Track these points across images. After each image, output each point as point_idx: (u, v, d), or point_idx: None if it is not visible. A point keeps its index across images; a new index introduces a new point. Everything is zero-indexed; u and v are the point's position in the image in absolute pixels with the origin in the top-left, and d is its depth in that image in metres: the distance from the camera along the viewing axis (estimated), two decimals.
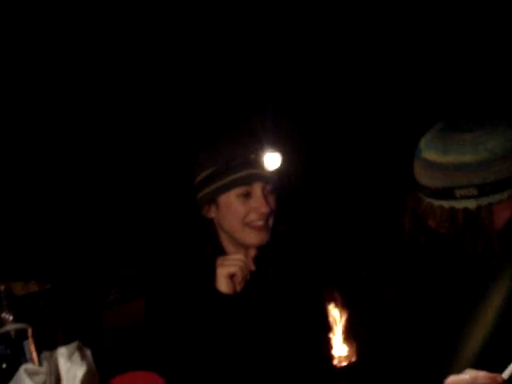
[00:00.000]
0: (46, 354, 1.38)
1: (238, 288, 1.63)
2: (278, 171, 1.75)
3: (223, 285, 1.60)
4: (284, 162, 1.78)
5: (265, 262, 1.71)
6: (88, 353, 1.42)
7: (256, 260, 1.69)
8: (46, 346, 2.50)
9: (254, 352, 1.68)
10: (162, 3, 3.22)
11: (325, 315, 1.92)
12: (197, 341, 1.59)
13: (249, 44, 3.35)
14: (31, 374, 1.35)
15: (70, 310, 2.92)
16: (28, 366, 1.37)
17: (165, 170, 3.34)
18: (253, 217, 1.66)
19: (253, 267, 1.66)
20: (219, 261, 1.62)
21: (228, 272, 1.60)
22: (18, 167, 3.14)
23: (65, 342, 2.53)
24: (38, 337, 1.72)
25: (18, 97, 3.12)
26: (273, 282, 1.75)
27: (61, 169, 3.30)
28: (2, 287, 1.77)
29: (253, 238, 1.69)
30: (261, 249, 1.72)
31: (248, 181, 1.66)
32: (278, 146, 1.74)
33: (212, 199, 1.72)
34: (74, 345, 1.36)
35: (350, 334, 3.35)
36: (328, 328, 1.93)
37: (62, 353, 1.31)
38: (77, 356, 1.33)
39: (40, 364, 1.40)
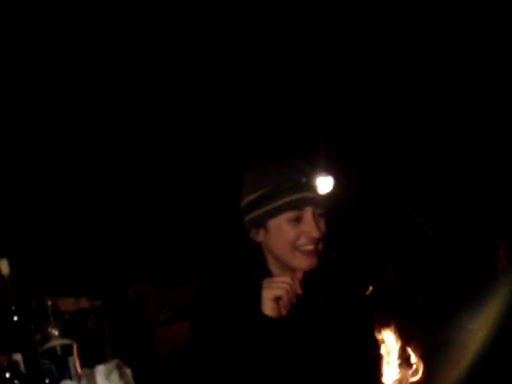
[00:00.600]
0: (85, 370, 1.34)
1: (284, 311, 1.55)
2: (328, 194, 1.68)
3: (268, 308, 1.53)
4: (335, 185, 1.71)
5: (312, 286, 1.62)
6: (128, 371, 1.38)
7: (303, 283, 1.60)
8: (94, 363, 2.48)
9: (300, 378, 1.59)
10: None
11: (374, 341, 1.82)
12: (241, 364, 1.52)
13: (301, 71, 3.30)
14: None
15: (121, 327, 2.90)
16: (67, 382, 1.34)
17: (215, 189, 3.32)
18: (303, 241, 1.60)
19: (299, 290, 1.57)
20: (265, 283, 1.56)
21: (274, 295, 1.53)
22: (67, 184, 3.16)
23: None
24: (85, 354, 1.69)
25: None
26: (320, 306, 1.68)
27: (119, 185, 3.32)
28: (49, 302, 1.75)
29: (302, 262, 1.61)
30: (308, 272, 1.63)
31: (299, 205, 1.60)
32: (329, 169, 1.67)
33: (261, 223, 1.66)
34: (113, 363, 1.32)
35: (405, 360, 3.22)
36: (378, 354, 1.82)
37: (100, 371, 1.27)
38: (115, 375, 1.29)
39: (79, 381, 1.36)
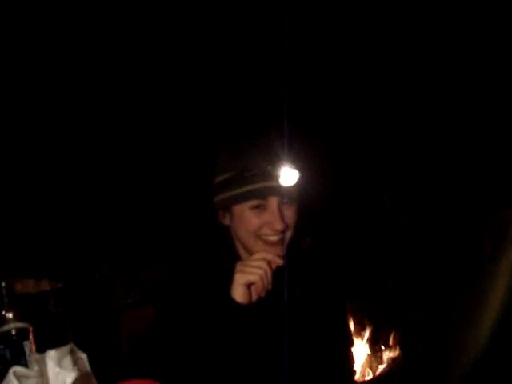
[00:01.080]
0: (36, 356, 1.25)
1: (254, 298, 1.47)
2: (300, 183, 1.59)
3: (239, 293, 1.44)
4: (305, 175, 1.62)
5: (285, 272, 1.54)
6: (83, 356, 1.29)
7: (276, 270, 1.52)
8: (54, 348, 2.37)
9: (267, 366, 1.52)
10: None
11: (346, 328, 1.76)
12: (206, 351, 1.44)
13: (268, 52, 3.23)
14: (20, 378, 1.22)
15: (84, 311, 2.81)
16: (17, 368, 1.24)
17: (184, 170, 3.22)
18: (266, 231, 1.53)
19: (270, 279, 1.47)
20: (238, 266, 1.47)
21: (247, 280, 1.43)
22: (39, 162, 3.07)
23: (76, 345, 2.40)
24: (45, 338, 1.60)
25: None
26: (292, 294, 1.60)
27: (83, 164, 3.23)
28: (3, 283, 1.66)
29: (266, 251, 1.53)
30: (284, 259, 1.55)
31: (262, 194, 1.52)
32: (297, 159, 1.58)
33: (226, 207, 1.59)
34: (65, 348, 1.23)
35: (374, 348, 3.20)
36: (350, 342, 1.77)
37: (50, 356, 1.18)
38: (68, 360, 1.19)
39: (30, 367, 1.27)
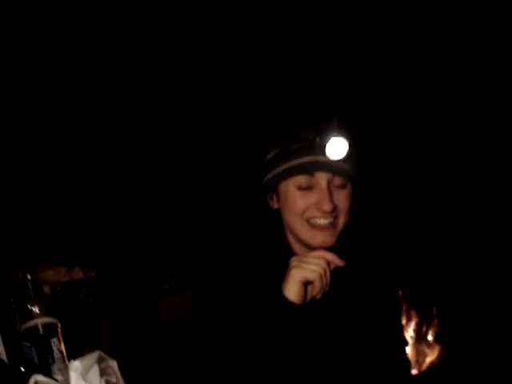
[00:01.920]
0: (59, 365, 1.11)
1: (309, 299, 1.30)
2: (354, 161, 1.40)
3: (294, 291, 1.26)
4: (359, 151, 1.43)
5: (341, 271, 1.36)
6: (113, 364, 1.14)
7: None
8: (89, 340, 2.27)
9: (321, 371, 1.35)
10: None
11: (401, 328, 1.58)
12: (248, 352, 1.28)
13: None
14: None
15: (119, 300, 2.68)
16: (39, 377, 1.11)
17: (233, 148, 3.09)
18: (313, 213, 1.34)
19: (329, 279, 1.29)
20: (295, 261, 1.29)
21: (304, 277, 1.26)
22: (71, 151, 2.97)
23: (110, 336, 2.28)
24: (76, 330, 1.47)
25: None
26: (349, 293, 1.44)
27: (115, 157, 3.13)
28: (29, 276, 1.54)
29: (314, 238, 1.36)
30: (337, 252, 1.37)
31: (310, 169, 1.34)
32: (350, 132, 1.38)
33: (273, 187, 1.42)
34: (92, 356, 1.08)
35: (420, 341, 3.02)
36: (405, 342, 1.59)
37: (75, 368, 1.03)
38: (95, 371, 1.05)
39: (54, 376, 1.13)
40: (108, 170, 3.08)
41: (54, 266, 2.46)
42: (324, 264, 1.27)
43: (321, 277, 1.26)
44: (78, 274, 2.45)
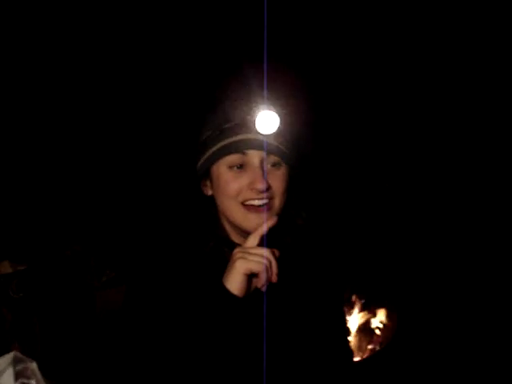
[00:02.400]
0: None
1: (251, 290, 1.25)
2: (288, 140, 1.33)
3: (236, 283, 1.20)
4: (294, 129, 1.36)
5: (283, 259, 1.30)
6: (32, 366, 1.03)
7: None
8: (19, 339, 2.13)
9: (258, 362, 1.28)
10: None
11: (343, 316, 1.54)
12: (187, 349, 1.20)
13: None
14: None
15: (53, 294, 2.54)
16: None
17: (164, 135, 3.00)
18: (248, 194, 1.28)
19: (276, 271, 1.24)
20: (238, 252, 1.23)
21: (249, 269, 1.20)
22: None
23: (43, 333, 2.15)
24: (6, 329, 1.35)
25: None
26: (290, 282, 1.38)
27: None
28: None
29: (248, 221, 1.29)
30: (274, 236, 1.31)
31: (241, 147, 1.27)
32: (283, 108, 1.31)
33: (206, 171, 1.35)
34: (5, 358, 0.97)
35: (364, 326, 3.01)
36: (347, 330, 1.55)
37: None
38: (8, 375, 0.94)
39: None
40: (41, 158, 2.94)
41: None
42: (270, 255, 1.23)
43: (266, 269, 1.21)
44: (5, 268, 2.30)
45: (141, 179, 3.09)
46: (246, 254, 1.22)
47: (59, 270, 2.76)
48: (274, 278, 1.23)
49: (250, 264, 1.20)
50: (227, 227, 1.38)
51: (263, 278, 1.21)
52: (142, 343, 1.27)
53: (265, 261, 1.21)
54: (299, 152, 1.38)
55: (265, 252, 1.22)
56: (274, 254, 1.25)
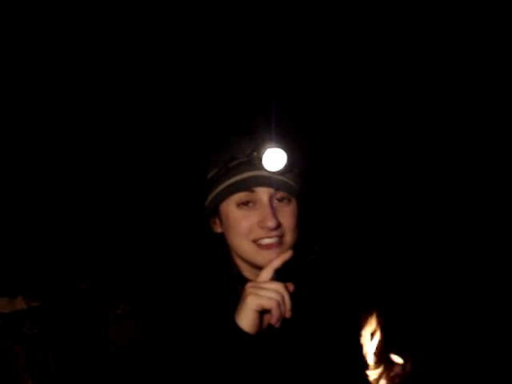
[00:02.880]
0: None
1: (264, 327, 1.20)
2: (301, 175, 1.32)
3: (248, 320, 1.16)
4: (300, 164, 1.35)
5: (297, 294, 1.26)
6: None
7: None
8: (33, 375, 2.13)
9: None
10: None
11: (361, 350, 1.50)
12: None
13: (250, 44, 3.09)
14: None
15: (68, 330, 2.54)
16: None
17: (175, 173, 3.02)
18: (258, 233, 1.26)
19: (290, 306, 1.19)
20: (250, 288, 1.18)
21: (260, 305, 1.16)
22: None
23: (57, 370, 2.14)
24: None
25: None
26: (305, 317, 1.35)
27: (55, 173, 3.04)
28: None
29: (261, 257, 1.27)
30: (287, 272, 1.28)
31: (249, 185, 1.26)
32: (289, 145, 1.30)
33: (215, 209, 1.34)
34: None
35: (380, 359, 2.95)
36: (366, 364, 1.52)
37: None
38: None
39: None
40: (53, 190, 2.97)
41: None
42: (282, 290, 1.18)
43: (278, 304, 1.17)
44: (19, 304, 2.31)
45: (154, 216, 3.10)
46: (257, 289, 1.18)
47: (74, 306, 2.77)
48: (288, 314, 1.19)
49: (261, 300, 1.16)
50: (239, 263, 1.36)
51: (276, 314, 1.17)
52: (155, 380, 1.26)
53: (277, 296, 1.17)
54: (307, 185, 1.37)
55: (277, 286, 1.18)
56: (287, 288, 1.21)
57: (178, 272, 1.44)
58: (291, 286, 1.23)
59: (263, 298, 1.16)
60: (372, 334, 2.84)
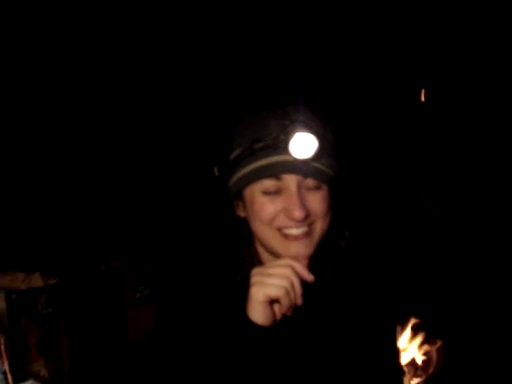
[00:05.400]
0: None
1: (278, 317, 1.08)
2: (336, 160, 1.18)
3: (258, 313, 1.05)
4: (331, 149, 1.20)
5: (319, 281, 1.12)
6: None
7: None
8: (46, 356, 2.04)
9: None
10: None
11: (398, 356, 1.37)
12: (215, 379, 1.07)
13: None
14: None
15: (84, 311, 2.45)
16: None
17: (198, 152, 2.95)
18: (284, 222, 1.14)
19: (300, 292, 1.06)
20: (255, 276, 1.07)
21: (267, 295, 1.04)
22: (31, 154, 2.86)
23: (70, 352, 2.05)
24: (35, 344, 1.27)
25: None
26: (330, 310, 1.22)
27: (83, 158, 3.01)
28: None
29: (287, 249, 1.13)
30: (314, 260, 1.15)
31: (276, 171, 1.13)
32: (318, 126, 1.16)
33: (238, 192, 1.21)
34: None
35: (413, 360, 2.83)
36: (401, 371, 1.39)
37: None
38: None
39: None
40: (77, 170, 2.92)
41: (10, 272, 2.23)
42: (291, 274, 1.06)
43: (287, 292, 1.04)
44: (36, 280, 2.22)
45: (177, 197, 3.02)
46: (263, 276, 1.06)
47: (92, 286, 2.68)
48: (299, 301, 1.06)
49: (266, 289, 1.04)
50: (260, 251, 1.24)
51: (285, 303, 1.05)
52: (171, 369, 1.16)
53: (285, 283, 1.05)
54: (338, 169, 1.24)
55: (285, 271, 1.06)
56: (298, 269, 1.07)
57: (198, 257, 1.34)
58: (305, 261, 1.10)
59: (269, 286, 1.05)
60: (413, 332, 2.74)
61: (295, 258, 1.11)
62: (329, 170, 1.16)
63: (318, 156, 1.12)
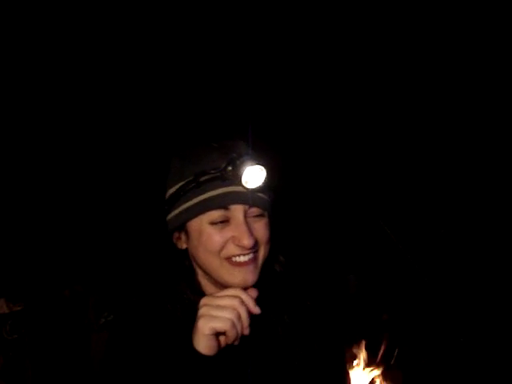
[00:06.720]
0: None
1: (223, 346, 1.11)
2: (271, 190, 1.26)
3: (203, 345, 1.07)
4: (275, 178, 1.28)
5: (262, 308, 1.14)
6: None
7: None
8: (11, 382, 2.07)
9: None
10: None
11: (347, 380, 1.44)
12: None
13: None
14: None
15: (49, 336, 2.48)
16: None
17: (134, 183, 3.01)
18: (232, 250, 1.18)
19: (247, 322, 1.09)
20: (203, 307, 1.09)
21: (213, 328, 1.07)
22: None
23: (35, 378, 2.08)
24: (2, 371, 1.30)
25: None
26: (272, 334, 1.28)
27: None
28: None
29: (234, 276, 1.19)
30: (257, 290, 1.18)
31: (224, 202, 1.18)
32: (265, 160, 1.23)
33: (181, 225, 1.24)
34: None
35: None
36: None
37: None
38: None
39: None
40: (42, 195, 2.93)
41: None
42: (238, 306, 1.09)
43: (233, 325, 1.08)
44: (1, 307, 2.25)
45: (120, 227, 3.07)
46: (211, 308, 1.09)
47: (56, 312, 2.71)
48: (246, 332, 1.09)
49: (213, 323, 1.07)
50: (203, 281, 1.28)
51: (231, 335, 1.08)
52: None
53: (232, 315, 1.08)
54: (276, 198, 1.31)
55: (232, 302, 1.09)
56: (245, 300, 1.10)
57: (142, 288, 1.37)
58: (254, 292, 1.14)
59: (215, 319, 1.08)
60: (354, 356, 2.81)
61: (242, 284, 1.16)
62: (268, 198, 1.24)
63: (264, 186, 1.20)
